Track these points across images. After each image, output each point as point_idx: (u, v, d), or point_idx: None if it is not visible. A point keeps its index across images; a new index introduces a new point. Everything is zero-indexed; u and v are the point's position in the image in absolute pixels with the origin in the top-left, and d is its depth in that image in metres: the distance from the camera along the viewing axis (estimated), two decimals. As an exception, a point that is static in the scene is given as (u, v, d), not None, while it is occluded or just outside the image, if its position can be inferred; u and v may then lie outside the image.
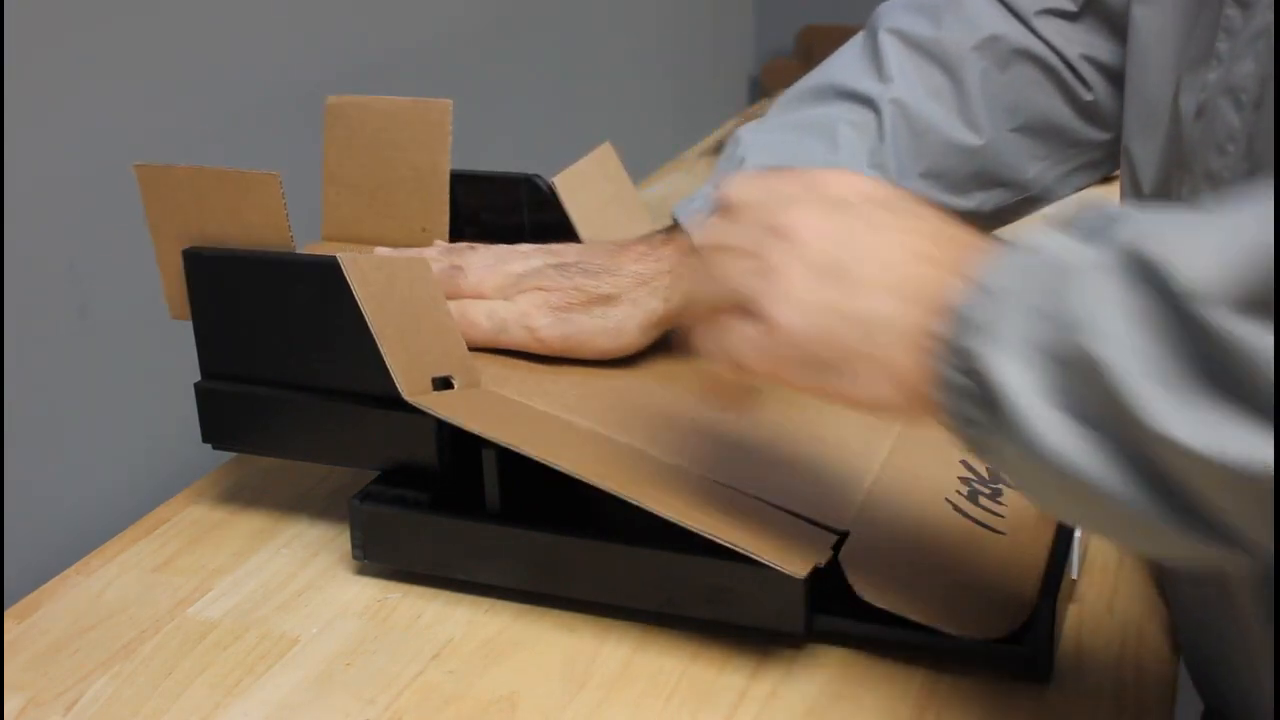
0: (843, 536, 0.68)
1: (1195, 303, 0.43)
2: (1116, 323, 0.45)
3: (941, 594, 0.66)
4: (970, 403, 0.49)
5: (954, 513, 0.72)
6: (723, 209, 0.57)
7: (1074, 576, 0.71)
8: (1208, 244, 0.44)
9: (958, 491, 0.74)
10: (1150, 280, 0.45)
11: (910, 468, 0.75)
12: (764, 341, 0.54)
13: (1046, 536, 0.70)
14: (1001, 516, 0.72)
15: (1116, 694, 0.65)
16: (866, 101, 0.81)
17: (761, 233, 0.55)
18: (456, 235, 0.89)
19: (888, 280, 0.52)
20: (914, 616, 0.64)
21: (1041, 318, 0.47)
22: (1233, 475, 0.42)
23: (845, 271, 0.53)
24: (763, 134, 0.83)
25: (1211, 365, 0.43)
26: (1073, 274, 0.47)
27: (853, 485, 0.72)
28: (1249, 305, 0.42)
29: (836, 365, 0.53)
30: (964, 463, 0.76)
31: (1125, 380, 0.44)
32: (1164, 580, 0.71)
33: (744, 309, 0.55)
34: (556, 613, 0.72)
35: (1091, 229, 0.48)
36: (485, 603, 0.73)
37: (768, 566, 0.67)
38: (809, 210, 0.54)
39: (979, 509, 0.73)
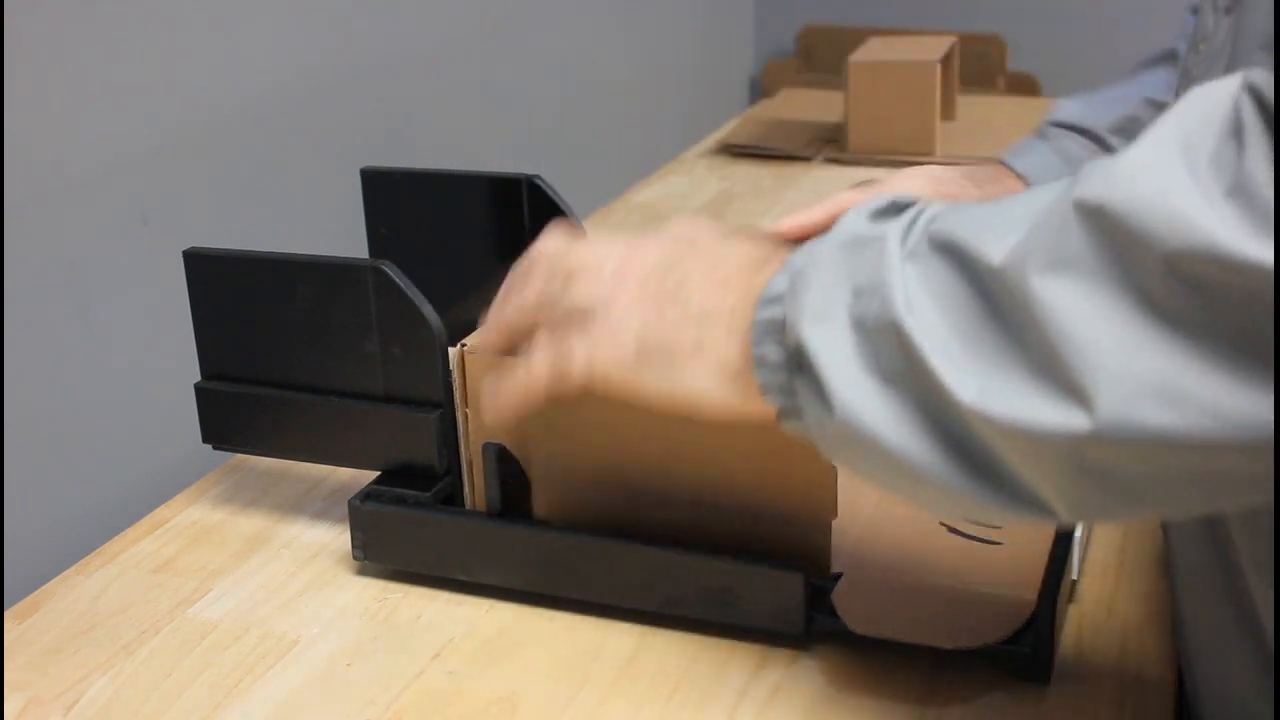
0: (836, 578, 0.69)
1: (997, 271, 0.46)
2: (920, 295, 0.48)
3: (938, 611, 0.66)
4: (784, 373, 0.52)
5: (950, 534, 0.73)
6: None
7: (1074, 577, 0.71)
8: (1000, 223, 0.47)
9: None
10: (951, 253, 0.48)
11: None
12: (599, 341, 0.58)
13: (1046, 539, 0.70)
14: (999, 528, 0.73)
15: (1116, 694, 0.65)
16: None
17: (595, 263, 0.60)
18: (458, 235, 0.89)
19: (713, 280, 0.56)
20: (909, 639, 0.65)
21: (851, 289, 0.50)
22: (1040, 442, 0.44)
23: (674, 279, 0.57)
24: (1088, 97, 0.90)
25: (1020, 335, 0.45)
26: (873, 245, 0.50)
27: (845, 527, 0.72)
28: (1050, 266, 0.44)
29: (666, 360, 0.56)
30: None
31: (928, 349, 0.47)
32: (1171, 579, 0.71)
33: (575, 320, 0.59)
34: (556, 613, 0.72)
35: (885, 211, 0.52)
36: (485, 603, 0.73)
37: (768, 567, 0.67)
38: (642, 244, 0.60)
39: (977, 525, 0.73)
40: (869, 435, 0.49)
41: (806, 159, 1.53)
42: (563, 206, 0.85)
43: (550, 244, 0.62)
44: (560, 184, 0.86)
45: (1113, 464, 0.44)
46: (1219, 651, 0.62)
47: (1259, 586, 0.57)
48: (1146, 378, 0.42)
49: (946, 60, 1.52)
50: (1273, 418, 0.40)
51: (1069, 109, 0.89)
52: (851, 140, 1.51)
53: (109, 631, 0.73)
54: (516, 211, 0.86)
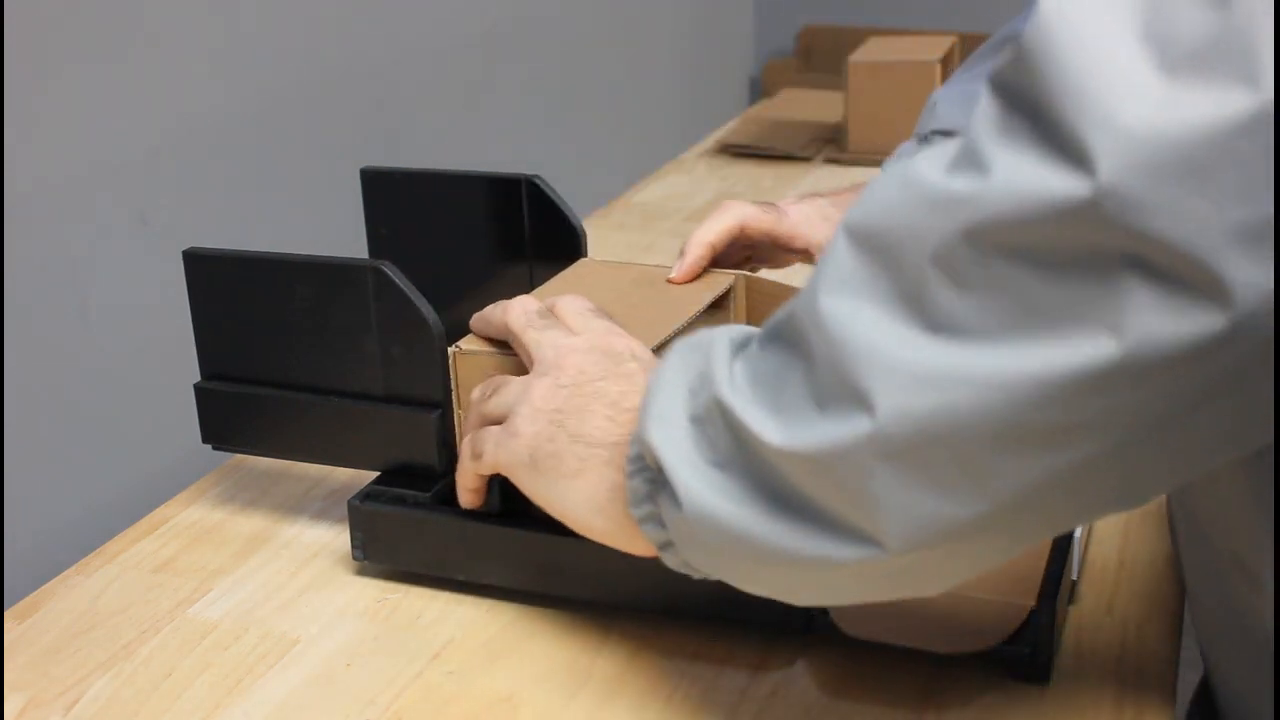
0: None
1: (797, 308, 0.49)
2: (741, 372, 0.51)
3: (935, 617, 0.66)
4: (650, 502, 0.56)
5: None
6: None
7: (1074, 577, 0.71)
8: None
9: None
10: (776, 336, 0.51)
11: None
12: (503, 440, 0.65)
13: (1045, 543, 0.70)
14: None
15: (1116, 694, 0.65)
16: None
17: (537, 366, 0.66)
18: (458, 235, 0.89)
19: (611, 412, 0.61)
20: (902, 642, 0.65)
21: (687, 389, 0.54)
22: (836, 459, 0.47)
23: (581, 399, 0.62)
24: (953, 87, 0.93)
25: (817, 366, 0.48)
26: (703, 345, 0.54)
27: None
28: (833, 289, 0.47)
29: (552, 474, 0.62)
30: None
31: (740, 410, 0.50)
32: (1185, 580, 0.71)
33: (493, 419, 0.67)
34: (556, 613, 0.72)
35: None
36: (485, 603, 0.73)
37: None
38: (571, 352, 0.65)
39: None
40: (710, 518, 0.51)
41: (806, 159, 1.53)
42: (562, 207, 0.85)
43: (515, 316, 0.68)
44: (560, 184, 0.87)
45: (904, 463, 0.45)
46: (1224, 642, 0.62)
47: (1253, 591, 0.57)
48: (913, 368, 0.44)
49: (946, 60, 1.52)
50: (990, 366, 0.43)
51: (948, 112, 0.92)
52: (851, 140, 1.51)
53: (109, 631, 0.73)
54: (516, 211, 0.86)
